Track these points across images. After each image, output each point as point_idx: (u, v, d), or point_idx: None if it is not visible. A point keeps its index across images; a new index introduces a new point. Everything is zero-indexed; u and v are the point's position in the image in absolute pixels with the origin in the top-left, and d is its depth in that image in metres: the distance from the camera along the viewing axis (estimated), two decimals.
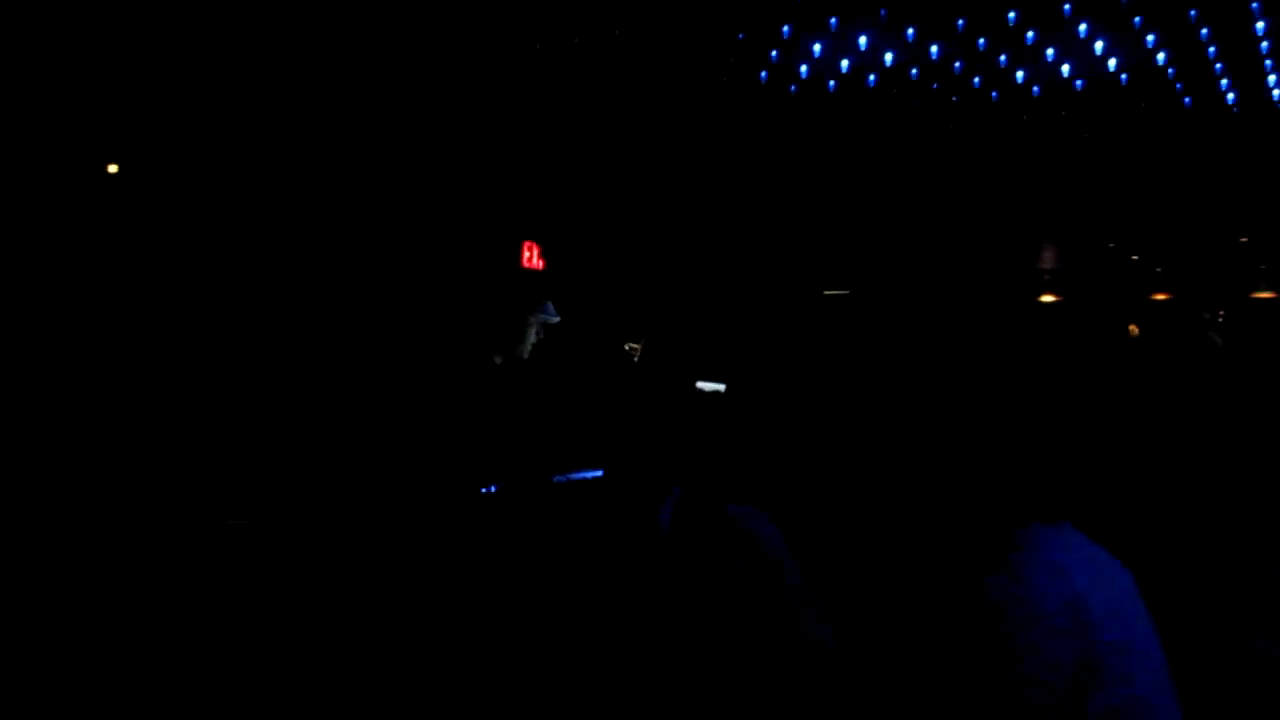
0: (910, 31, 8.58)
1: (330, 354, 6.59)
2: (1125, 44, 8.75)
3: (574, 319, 5.15)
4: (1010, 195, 14.76)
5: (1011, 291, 14.96)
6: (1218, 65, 9.55)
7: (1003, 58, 9.43)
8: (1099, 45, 8.98)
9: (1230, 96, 10.68)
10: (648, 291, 10.57)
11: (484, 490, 3.97)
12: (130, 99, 7.06)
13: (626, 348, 7.56)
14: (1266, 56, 9.44)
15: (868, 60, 9.30)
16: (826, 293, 13.98)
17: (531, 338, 4.38)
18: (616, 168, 10.75)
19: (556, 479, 4.23)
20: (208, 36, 6.99)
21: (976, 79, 10.06)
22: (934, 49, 9.21)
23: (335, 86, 7.93)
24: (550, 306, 4.52)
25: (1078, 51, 8.97)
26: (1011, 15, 8.18)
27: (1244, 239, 14.20)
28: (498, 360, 4.42)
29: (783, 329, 10.00)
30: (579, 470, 4.36)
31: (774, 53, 9.17)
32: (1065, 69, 9.39)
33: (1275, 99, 10.86)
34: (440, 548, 3.74)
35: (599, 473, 4.51)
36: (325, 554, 3.88)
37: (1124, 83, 10.29)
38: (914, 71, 9.82)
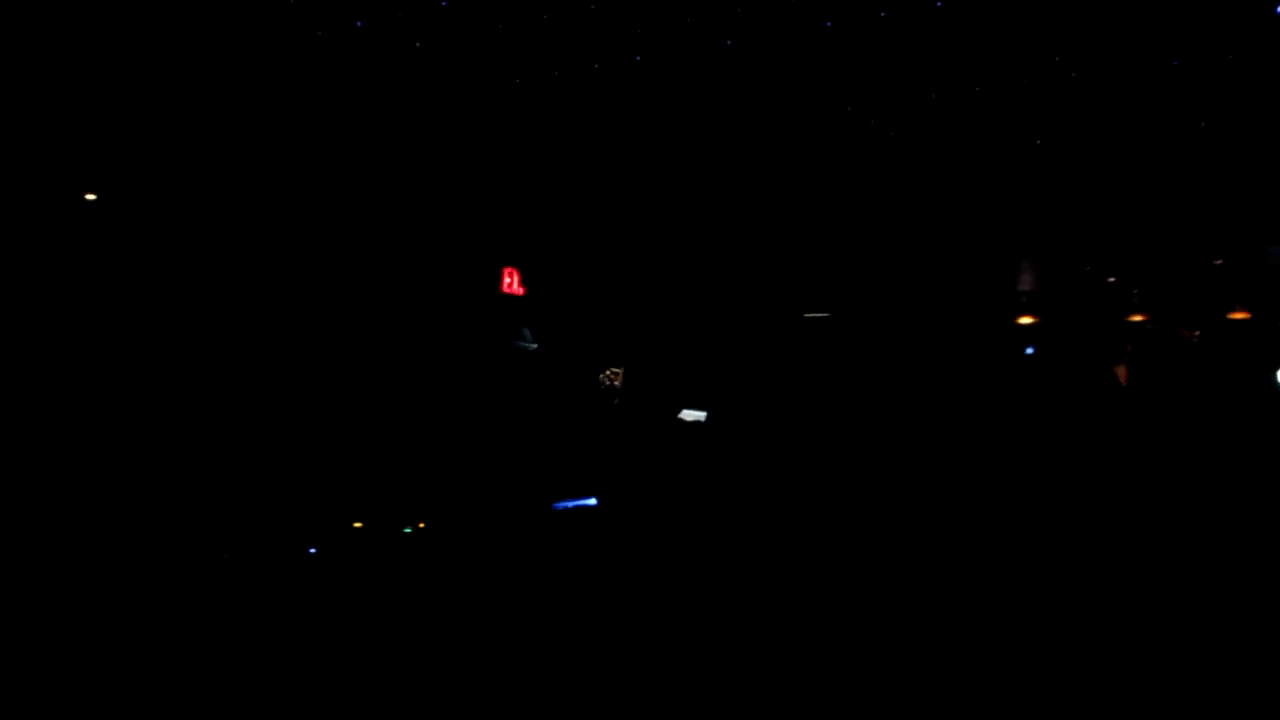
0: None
1: (307, 375, 6.56)
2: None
3: (554, 345, 5.14)
4: (987, 217, 14.87)
5: (990, 312, 15.04)
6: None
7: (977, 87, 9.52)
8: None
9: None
10: (629, 317, 10.57)
11: (468, 513, 3.95)
12: (104, 118, 7.03)
13: (607, 373, 7.54)
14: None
15: (838, 84, 9.37)
16: (807, 315, 14.01)
17: (508, 364, 4.36)
18: (597, 195, 10.77)
19: (556, 506, 4.21)
20: (173, 65, 6.97)
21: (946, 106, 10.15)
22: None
23: (316, 112, 7.92)
24: (527, 333, 4.51)
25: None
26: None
27: (1219, 261, 14.35)
28: (475, 383, 4.41)
29: (764, 352, 10.01)
30: (566, 498, 4.34)
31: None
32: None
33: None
34: (419, 567, 3.72)
35: (586, 501, 4.50)
36: (322, 572, 3.84)
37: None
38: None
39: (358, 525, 3.98)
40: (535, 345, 4.52)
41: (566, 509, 4.10)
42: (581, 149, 10.32)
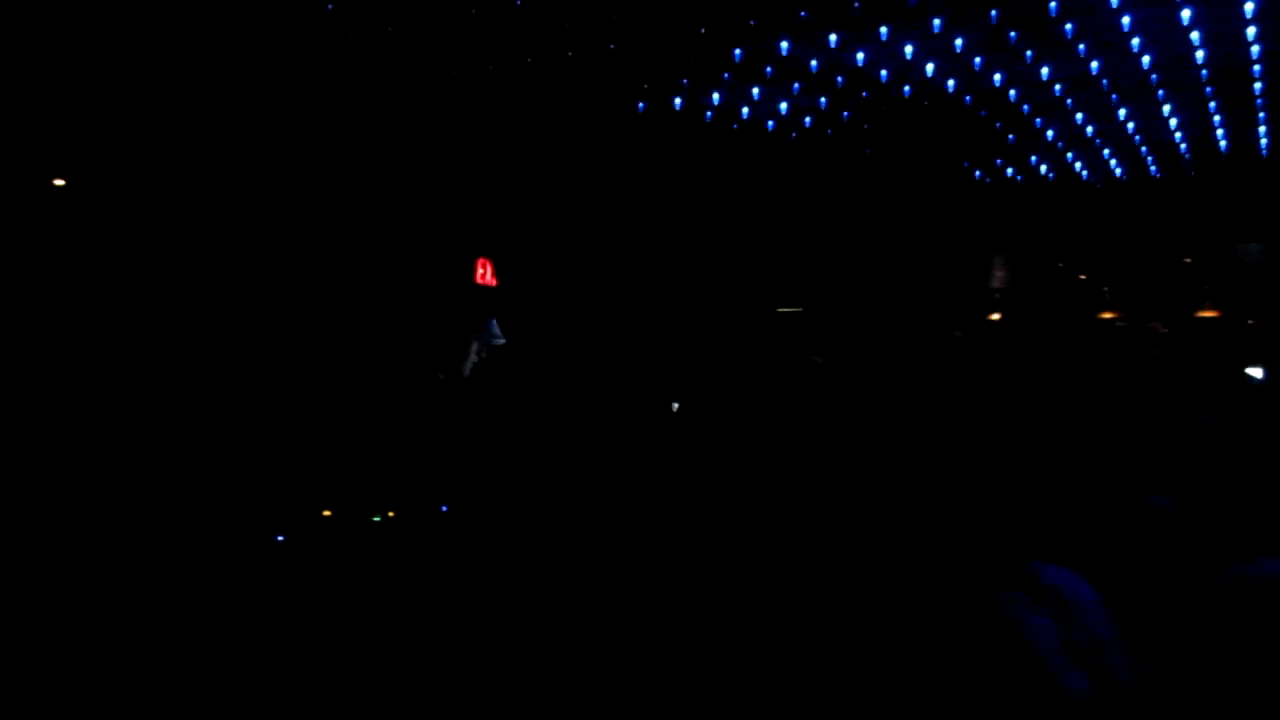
0: (859, 56, 8.66)
1: (274, 366, 6.49)
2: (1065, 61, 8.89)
3: (526, 338, 5.08)
4: (961, 214, 14.97)
5: (964, 309, 15.15)
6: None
7: (950, 83, 9.55)
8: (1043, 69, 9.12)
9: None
10: (605, 310, 10.54)
11: (440, 509, 3.90)
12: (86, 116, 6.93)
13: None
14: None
15: (821, 83, 9.38)
16: (780, 310, 14.04)
17: (473, 357, 4.30)
18: (572, 186, 10.72)
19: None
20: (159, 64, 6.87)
21: (926, 101, 10.18)
22: (884, 73, 9.30)
23: (287, 99, 7.83)
24: (495, 326, 4.44)
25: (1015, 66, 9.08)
26: (959, 42, 8.27)
27: (1188, 259, 14.51)
28: (440, 377, 4.34)
29: (737, 346, 10.01)
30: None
31: (725, 74, 9.21)
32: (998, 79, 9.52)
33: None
34: (385, 566, 3.67)
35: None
36: (264, 572, 3.78)
37: (1070, 106, 10.47)
38: (864, 94, 9.91)
39: (326, 514, 3.92)
40: (503, 340, 4.46)
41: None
42: (556, 138, 10.27)
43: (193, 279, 7.16)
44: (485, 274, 8.60)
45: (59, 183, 7.06)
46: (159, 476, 4.62)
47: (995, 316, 17.15)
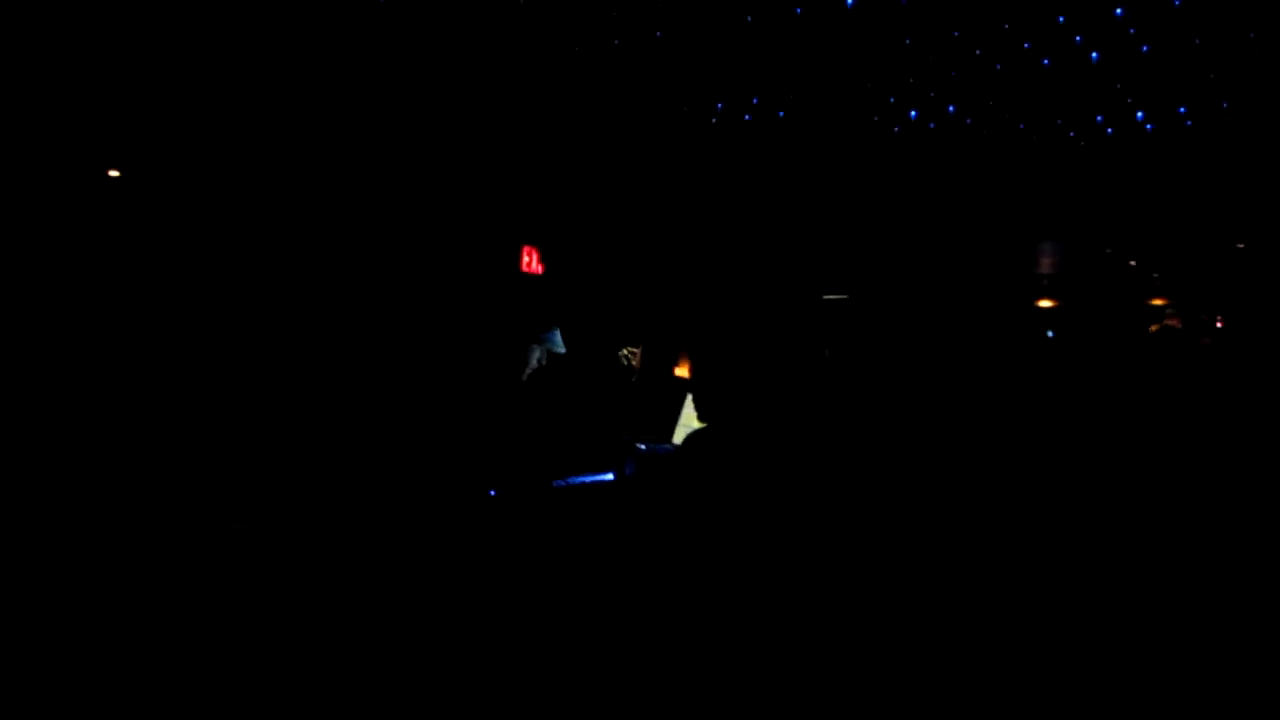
0: (907, 40, 8.61)
1: (332, 359, 6.60)
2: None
3: (573, 324, 5.15)
4: (1008, 200, 14.79)
5: (1010, 296, 14.98)
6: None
7: (997, 64, 9.45)
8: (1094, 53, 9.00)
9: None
10: (648, 295, 10.58)
11: (489, 494, 3.99)
12: (120, 105, 7.07)
13: (624, 353, 7.56)
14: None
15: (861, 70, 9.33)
16: (826, 297, 13.99)
17: (534, 364, 4.33)
18: (617, 171, 10.77)
19: (557, 484, 4.26)
20: (204, 39, 6.99)
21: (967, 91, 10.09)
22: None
23: (332, 90, 7.94)
24: (557, 336, 4.45)
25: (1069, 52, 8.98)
26: (1006, 24, 8.20)
27: (1241, 245, 14.24)
28: (498, 373, 4.41)
29: (782, 332, 10.01)
30: (579, 474, 4.38)
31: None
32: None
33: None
34: (445, 548, 3.76)
35: (601, 476, 4.54)
36: (329, 556, 3.89)
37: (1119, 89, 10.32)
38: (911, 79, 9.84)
39: (372, 500, 4.02)
40: (563, 350, 4.49)
41: (578, 484, 4.14)
42: (601, 127, 10.31)
43: (245, 273, 7.29)
44: (531, 262, 8.68)
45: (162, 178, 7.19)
46: (220, 466, 4.76)
47: (1045, 303, 16.95)
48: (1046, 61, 9.42)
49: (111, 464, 4.75)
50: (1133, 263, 15.40)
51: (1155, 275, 14.75)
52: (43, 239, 6.67)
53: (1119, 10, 7.93)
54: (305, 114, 7.87)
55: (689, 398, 5.22)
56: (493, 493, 4.04)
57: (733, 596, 2.63)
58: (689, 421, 5.34)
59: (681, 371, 7.06)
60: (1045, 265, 16.63)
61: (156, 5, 6.52)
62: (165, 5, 6.57)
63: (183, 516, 4.19)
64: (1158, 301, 14.48)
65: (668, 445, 5.04)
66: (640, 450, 4.75)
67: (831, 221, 13.38)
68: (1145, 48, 8.89)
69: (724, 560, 2.68)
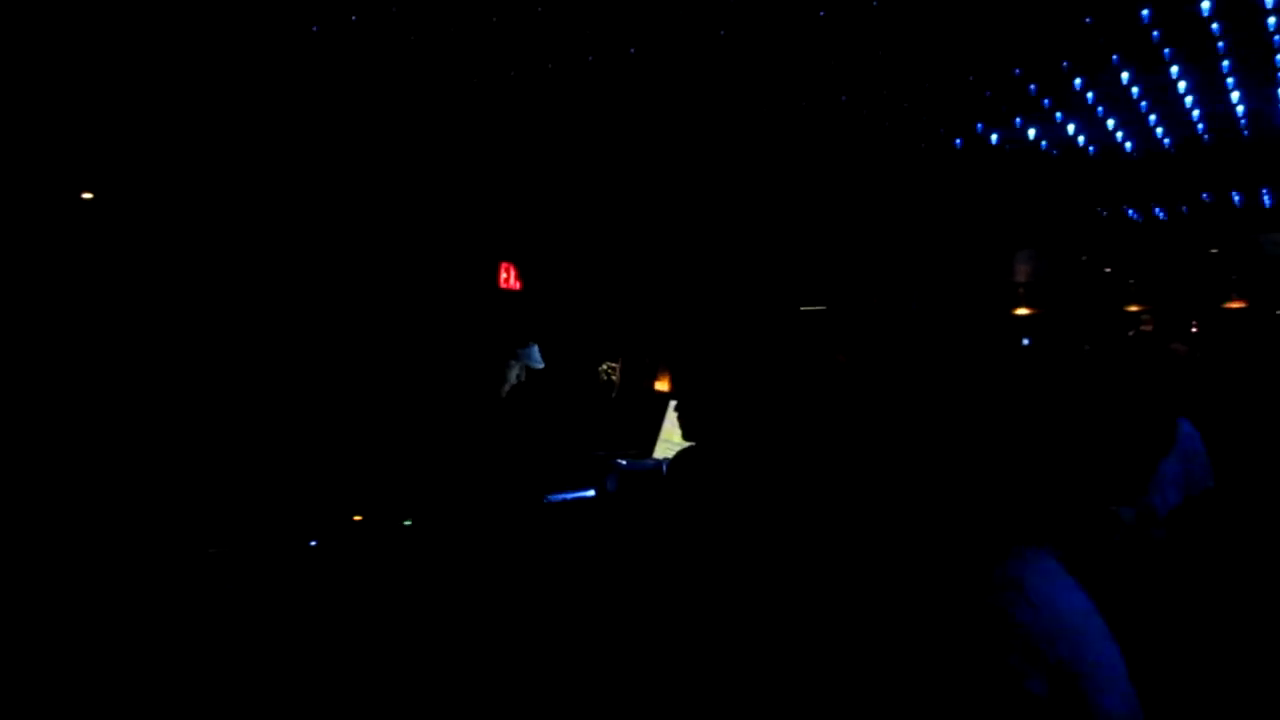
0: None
1: (309, 377, 6.56)
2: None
3: (551, 340, 5.12)
4: (984, 209, 14.88)
5: (987, 304, 15.08)
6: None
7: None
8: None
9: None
10: (627, 310, 10.58)
11: (482, 508, 3.97)
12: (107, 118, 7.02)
13: (604, 368, 7.55)
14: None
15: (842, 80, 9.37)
16: (803, 308, 14.04)
17: (512, 380, 4.28)
18: (595, 186, 10.77)
19: (540, 501, 4.24)
20: (188, 56, 6.95)
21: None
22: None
23: (309, 107, 7.91)
24: (535, 352, 4.40)
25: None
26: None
27: (1214, 250, 14.39)
28: (475, 389, 4.36)
29: (760, 344, 10.02)
30: (560, 491, 4.36)
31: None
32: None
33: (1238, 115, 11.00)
34: (428, 567, 3.73)
35: (583, 493, 4.52)
36: (309, 574, 3.85)
37: (1089, 100, 10.41)
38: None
39: (358, 519, 3.98)
40: (541, 365, 4.45)
41: (563, 501, 4.11)
42: (577, 142, 10.31)
43: (219, 282, 7.24)
44: (509, 278, 8.64)
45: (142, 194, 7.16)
46: (193, 486, 4.70)
47: (1022, 311, 17.08)
48: (1033, 89, 9.52)
49: (91, 480, 4.70)
50: (1108, 270, 15.53)
51: (1131, 281, 14.88)
52: (31, 249, 6.63)
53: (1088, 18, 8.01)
54: (283, 131, 7.84)
55: (669, 412, 5.21)
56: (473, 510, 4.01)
57: (730, 628, 2.60)
58: (669, 436, 5.34)
59: (661, 385, 7.08)
60: (1022, 274, 16.77)
61: (134, 17, 6.49)
62: (137, 20, 6.53)
63: (155, 542, 4.14)
64: (1133, 308, 14.63)
65: (649, 460, 5.05)
66: (622, 466, 4.77)
67: (808, 232, 13.43)
68: (1115, 57, 8.97)
69: (721, 591, 2.65)
